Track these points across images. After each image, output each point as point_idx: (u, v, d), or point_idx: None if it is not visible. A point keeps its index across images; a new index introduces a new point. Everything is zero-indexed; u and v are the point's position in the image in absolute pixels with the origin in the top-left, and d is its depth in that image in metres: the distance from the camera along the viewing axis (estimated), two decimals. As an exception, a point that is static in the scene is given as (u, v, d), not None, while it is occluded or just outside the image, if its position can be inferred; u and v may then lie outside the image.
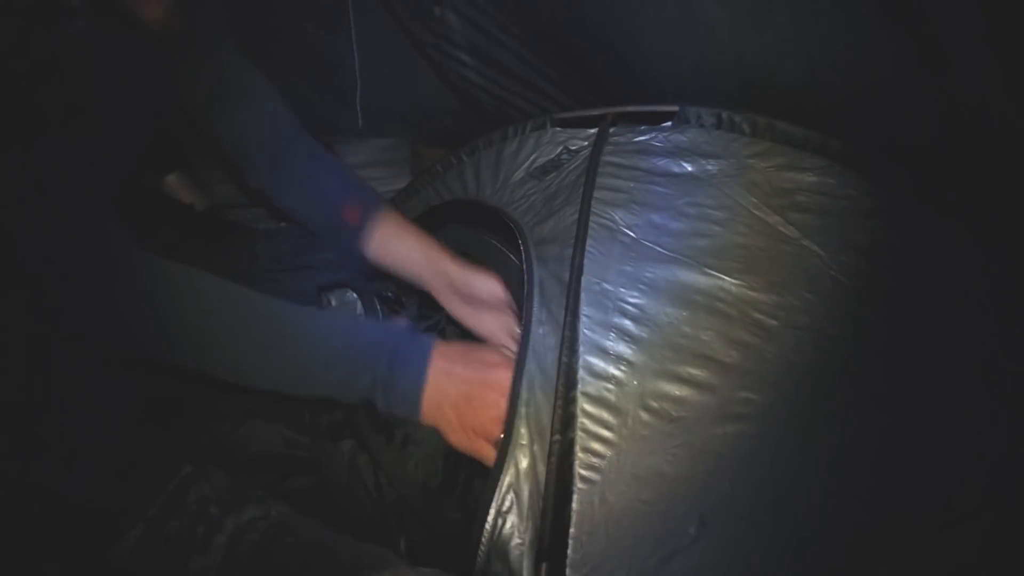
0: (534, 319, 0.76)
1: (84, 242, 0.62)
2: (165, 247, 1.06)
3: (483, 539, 0.61)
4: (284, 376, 0.67)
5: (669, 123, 1.01)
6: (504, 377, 0.69)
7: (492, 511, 0.62)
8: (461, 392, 0.68)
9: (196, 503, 0.60)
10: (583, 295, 0.73)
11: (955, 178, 0.82)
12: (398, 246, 0.93)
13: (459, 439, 0.69)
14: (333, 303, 0.93)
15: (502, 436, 0.65)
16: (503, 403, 0.67)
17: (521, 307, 0.81)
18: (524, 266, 0.83)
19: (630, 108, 1.05)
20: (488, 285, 0.89)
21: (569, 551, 0.57)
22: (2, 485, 0.56)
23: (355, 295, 0.91)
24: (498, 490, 0.63)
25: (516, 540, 0.61)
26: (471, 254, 1.02)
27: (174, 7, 0.73)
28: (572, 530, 0.58)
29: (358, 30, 1.44)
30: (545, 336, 0.74)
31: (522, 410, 0.66)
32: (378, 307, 0.90)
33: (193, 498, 0.60)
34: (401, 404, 0.68)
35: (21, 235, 0.57)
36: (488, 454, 0.66)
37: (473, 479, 0.76)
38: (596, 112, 1.09)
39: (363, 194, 0.97)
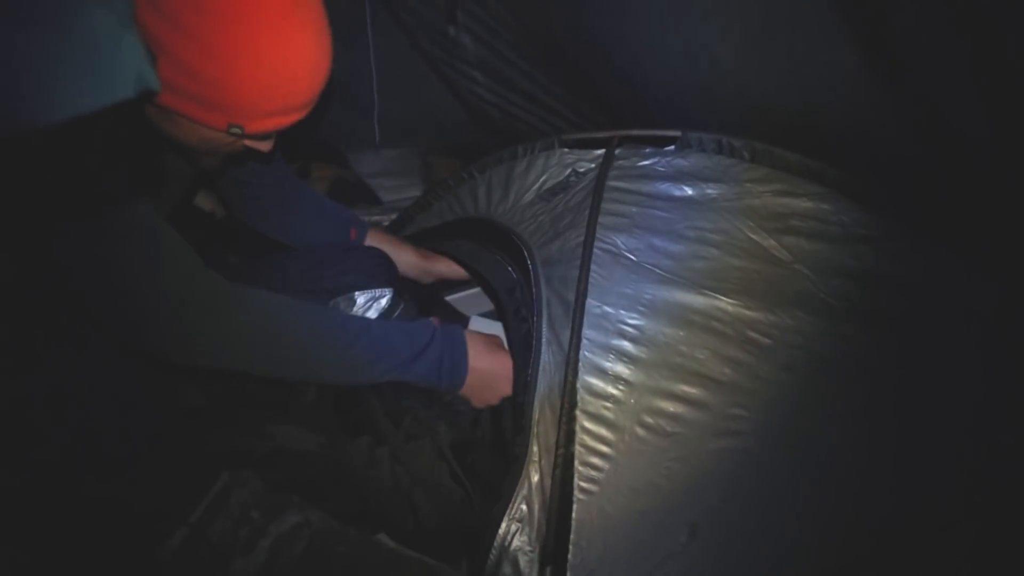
0: (544, 339, 0.81)
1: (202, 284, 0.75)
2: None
3: (495, 544, 0.67)
4: (365, 376, 0.85)
5: (672, 147, 1.05)
6: (508, 366, 0.90)
7: (505, 520, 0.67)
8: (486, 377, 0.90)
9: (238, 508, 0.65)
10: (585, 318, 0.78)
11: (942, 202, 0.86)
12: (394, 252, 1.18)
13: (477, 404, 0.92)
14: (342, 305, 1.03)
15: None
16: (509, 386, 0.89)
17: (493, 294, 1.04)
18: (533, 288, 0.88)
19: (635, 132, 1.09)
20: (451, 267, 1.20)
21: (570, 556, 0.63)
22: (54, 491, 0.62)
23: (366, 295, 1.04)
24: (513, 501, 0.69)
25: (525, 546, 0.67)
26: (473, 265, 1.10)
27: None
28: (572, 537, 0.64)
29: (375, 47, 1.49)
30: (553, 356, 0.79)
31: (535, 429, 0.72)
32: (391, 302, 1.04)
33: (235, 503, 0.66)
34: (454, 385, 0.89)
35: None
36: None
37: (476, 466, 0.83)
38: (603, 135, 1.13)
39: (353, 218, 1.21)
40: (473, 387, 0.90)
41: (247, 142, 0.78)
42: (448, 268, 1.21)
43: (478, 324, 1.16)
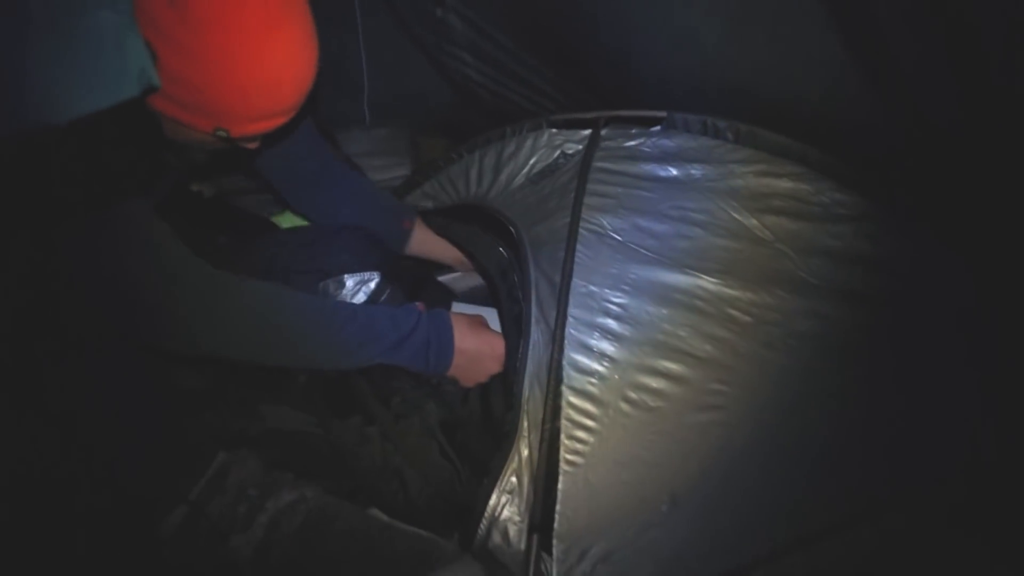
0: (533, 319, 0.83)
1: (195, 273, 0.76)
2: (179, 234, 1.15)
3: (485, 514, 0.70)
4: (351, 362, 0.87)
5: (658, 127, 1.07)
6: (497, 345, 0.92)
7: (495, 492, 0.70)
8: (473, 358, 0.92)
9: (235, 486, 0.68)
10: (571, 297, 0.80)
11: (917, 183, 0.88)
12: (433, 241, 1.23)
13: (466, 383, 0.94)
14: (331, 287, 1.05)
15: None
16: (496, 365, 0.92)
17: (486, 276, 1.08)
18: (521, 269, 0.90)
19: (622, 113, 1.11)
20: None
21: (556, 524, 0.66)
22: (56, 472, 0.64)
23: (355, 278, 1.06)
24: (503, 474, 0.72)
25: (514, 517, 0.70)
26: (467, 248, 1.13)
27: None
28: (559, 507, 0.67)
29: (364, 29, 1.49)
30: (542, 335, 0.81)
31: (524, 406, 0.74)
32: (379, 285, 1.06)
33: (233, 481, 0.68)
34: (441, 367, 0.91)
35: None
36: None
37: (465, 442, 0.86)
38: (590, 115, 1.15)
39: (406, 208, 1.26)
40: (461, 368, 0.92)
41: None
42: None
43: (460, 308, 1.17)
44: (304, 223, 1.24)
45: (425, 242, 1.22)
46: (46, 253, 0.64)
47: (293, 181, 1.15)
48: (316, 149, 1.14)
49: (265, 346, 0.81)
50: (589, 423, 0.71)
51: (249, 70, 0.68)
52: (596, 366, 0.75)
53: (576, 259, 0.85)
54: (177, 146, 0.79)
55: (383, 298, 1.04)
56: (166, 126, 0.73)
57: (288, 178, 1.15)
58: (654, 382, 0.74)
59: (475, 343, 0.92)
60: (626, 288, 0.82)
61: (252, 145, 0.81)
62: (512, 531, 0.68)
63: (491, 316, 1.03)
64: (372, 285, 1.05)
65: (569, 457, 0.69)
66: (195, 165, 0.98)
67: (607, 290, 0.81)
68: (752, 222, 0.89)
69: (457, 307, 1.17)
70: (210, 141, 0.75)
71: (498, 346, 0.92)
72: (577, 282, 0.82)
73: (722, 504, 0.68)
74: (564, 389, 0.73)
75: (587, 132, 1.13)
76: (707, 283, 0.82)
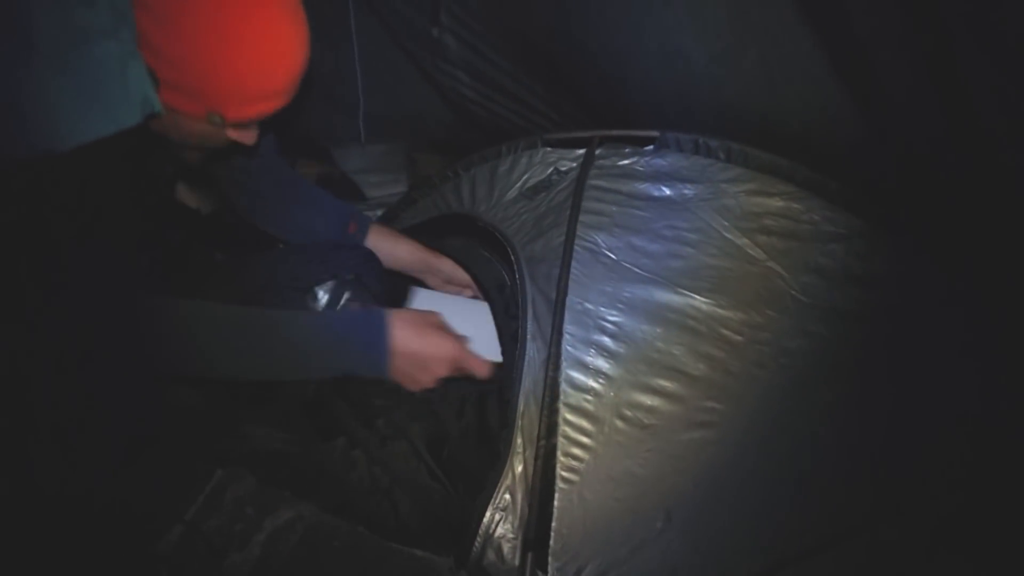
0: (528, 335, 0.84)
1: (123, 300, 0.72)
2: (176, 251, 1.15)
3: (479, 532, 0.70)
4: (291, 371, 0.85)
5: (651, 147, 1.08)
6: (445, 347, 0.88)
7: (489, 509, 0.70)
8: (415, 360, 0.87)
9: (232, 504, 0.68)
10: (567, 314, 0.81)
11: (907, 201, 0.90)
12: (392, 246, 1.18)
13: (412, 387, 0.89)
14: (321, 293, 1.04)
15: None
16: (444, 368, 0.87)
17: (484, 291, 1.06)
18: (518, 285, 0.91)
19: (615, 132, 1.12)
20: (452, 267, 1.17)
21: (551, 542, 0.66)
22: (49, 491, 0.64)
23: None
24: (497, 491, 0.72)
25: (508, 534, 0.70)
26: (464, 263, 1.12)
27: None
28: (554, 524, 0.67)
29: (360, 48, 1.51)
30: (538, 351, 0.82)
31: (519, 422, 0.75)
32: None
33: (229, 499, 0.68)
34: (378, 371, 0.87)
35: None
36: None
37: (458, 457, 0.85)
38: (584, 134, 1.16)
39: (354, 213, 1.20)
40: (402, 371, 0.87)
41: (230, 133, 0.79)
42: (452, 267, 1.17)
43: (424, 298, 1.13)
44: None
45: (380, 249, 1.15)
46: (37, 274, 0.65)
47: (245, 189, 1.15)
48: (275, 165, 1.14)
49: (190, 364, 0.79)
50: (585, 440, 0.72)
51: (244, 47, 0.69)
52: (592, 383, 0.76)
53: (572, 276, 0.86)
54: (169, 144, 0.79)
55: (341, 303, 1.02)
56: (158, 121, 0.72)
57: (240, 187, 1.14)
58: (648, 399, 0.75)
59: (420, 344, 0.86)
60: (621, 306, 0.83)
61: (248, 137, 0.81)
62: (506, 548, 0.69)
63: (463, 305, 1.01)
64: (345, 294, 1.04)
65: (565, 474, 0.70)
66: (186, 167, 0.96)
67: (602, 308, 0.82)
68: (743, 241, 0.90)
69: (421, 297, 1.13)
70: (205, 133, 0.75)
71: (446, 348, 0.88)
72: (573, 299, 0.83)
73: (716, 521, 0.69)
74: (560, 406, 0.74)
75: (581, 151, 1.14)
76: (699, 303, 0.83)
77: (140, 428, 0.71)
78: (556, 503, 0.68)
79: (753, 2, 0.87)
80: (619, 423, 0.73)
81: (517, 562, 0.68)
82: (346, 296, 1.03)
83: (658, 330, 0.81)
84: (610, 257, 0.89)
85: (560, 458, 0.71)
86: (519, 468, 0.73)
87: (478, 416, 0.91)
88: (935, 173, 0.83)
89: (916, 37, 0.72)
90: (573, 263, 0.88)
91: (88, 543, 0.63)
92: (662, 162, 1.04)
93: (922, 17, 0.69)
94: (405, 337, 0.86)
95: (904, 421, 0.76)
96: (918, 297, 0.85)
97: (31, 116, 0.43)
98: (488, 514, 0.70)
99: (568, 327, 0.81)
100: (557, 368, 0.77)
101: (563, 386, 0.75)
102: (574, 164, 1.13)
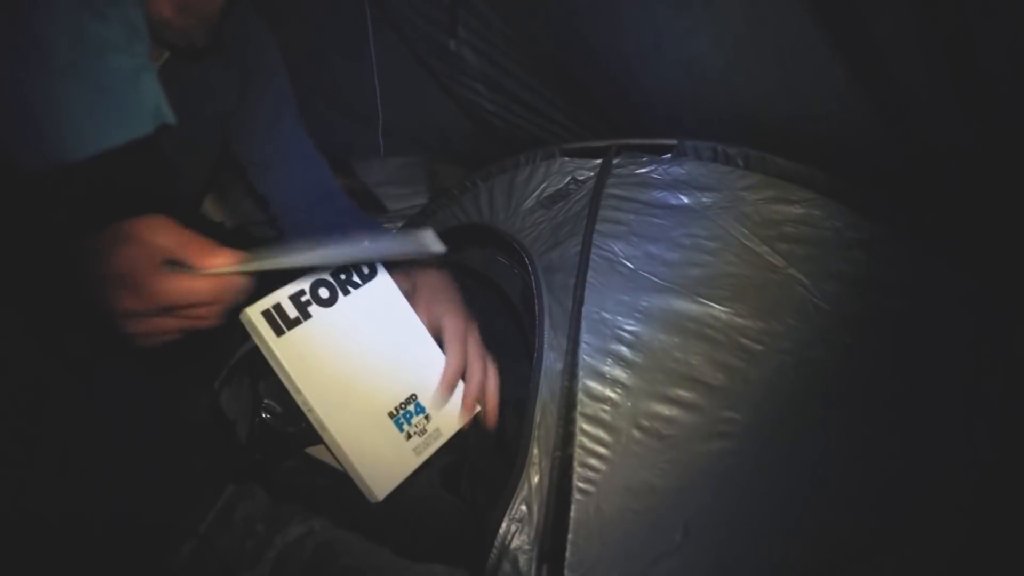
0: (545, 345, 0.83)
1: None
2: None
3: (495, 543, 0.69)
4: None
5: (669, 155, 1.08)
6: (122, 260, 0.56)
7: (505, 520, 0.70)
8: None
9: (243, 520, 0.68)
10: (583, 323, 0.81)
11: (928, 205, 0.88)
12: None
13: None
14: None
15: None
16: (126, 300, 0.57)
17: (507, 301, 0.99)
18: (535, 295, 0.90)
19: (633, 141, 1.12)
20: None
21: (567, 554, 0.65)
22: (63, 504, 0.64)
23: None
24: (513, 502, 0.71)
25: (524, 545, 0.69)
26: (483, 272, 1.12)
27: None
28: (570, 536, 0.66)
29: (378, 61, 1.53)
30: (555, 361, 0.81)
31: (536, 432, 0.74)
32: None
33: (240, 516, 0.68)
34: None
35: None
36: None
37: (474, 474, 0.84)
38: (602, 143, 1.16)
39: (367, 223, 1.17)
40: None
41: None
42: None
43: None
44: None
45: None
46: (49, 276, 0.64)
47: (263, 166, 1.14)
48: (312, 169, 1.14)
49: None
50: (601, 450, 0.71)
51: None
52: (609, 393, 0.75)
53: (588, 285, 0.85)
54: (168, 29, 0.73)
55: None
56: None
57: (259, 162, 1.14)
58: (666, 410, 0.74)
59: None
60: (638, 316, 0.82)
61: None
62: (522, 560, 0.68)
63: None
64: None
65: (581, 485, 0.69)
66: (194, 50, 0.83)
67: (619, 317, 0.82)
68: (763, 248, 0.89)
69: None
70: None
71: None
72: (590, 308, 0.83)
73: (735, 534, 0.67)
74: (577, 416, 0.73)
75: (599, 160, 1.14)
76: (718, 311, 0.82)
77: (141, 438, 0.72)
78: (572, 514, 0.67)
79: (769, 8, 0.86)
80: (636, 433, 0.73)
81: (533, 574, 0.67)
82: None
83: (676, 339, 0.80)
84: (627, 266, 0.89)
85: (576, 468, 0.70)
86: (535, 479, 0.72)
87: (497, 426, 0.91)
88: (956, 175, 0.82)
89: (933, 36, 0.71)
90: (590, 272, 0.88)
91: (100, 557, 0.63)
92: (680, 170, 1.04)
93: (939, 15, 0.68)
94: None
95: (929, 434, 0.74)
96: (943, 304, 0.83)
97: (44, 126, 0.44)
98: (504, 525, 0.69)
99: (585, 336, 0.80)
100: (574, 378, 0.76)
101: (580, 396, 0.75)
102: (591, 173, 1.13)
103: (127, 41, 0.44)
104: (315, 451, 0.85)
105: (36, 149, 0.45)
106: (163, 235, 0.56)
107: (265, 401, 0.81)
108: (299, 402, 0.75)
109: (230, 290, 0.59)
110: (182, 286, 0.56)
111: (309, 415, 0.75)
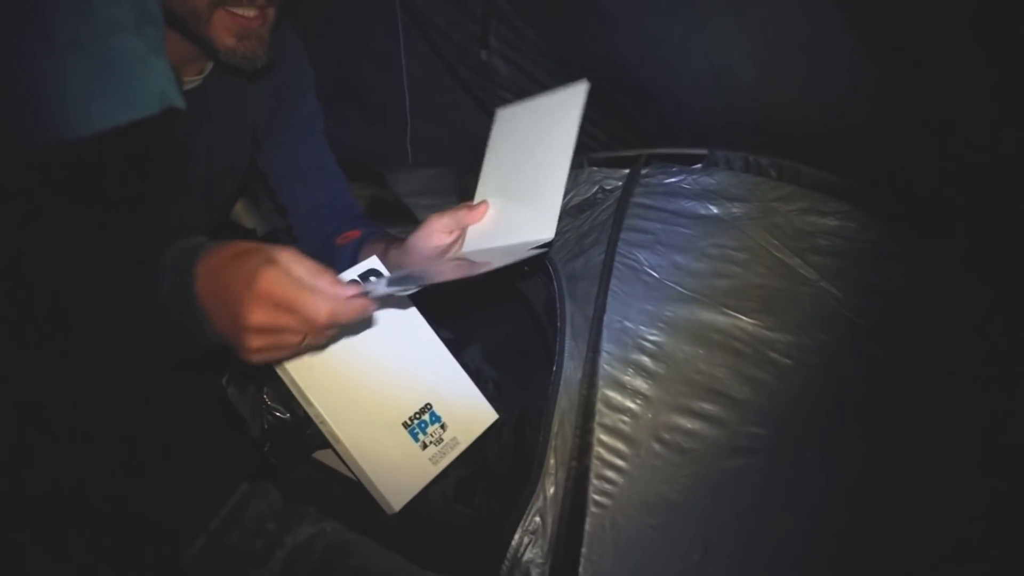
0: (566, 353, 0.82)
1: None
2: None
3: (508, 555, 0.68)
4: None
5: (699, 165, 1.06)
6: (261, 274, 0.59)
7: (519, 532, 0.68)
8: (218, 280, 0.62)
9: (255, 519, 0.68)
10: (605, 332, 0.79)
11: (967, 220, 0.84)
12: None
13: (230, 329, 0.62)
14: None
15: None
16: (261, 315, 0.59)
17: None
18: (557, 303, 0.89)
19: (662, 151, 1.10)
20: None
21: (580, 569, 0.63)
22: (80, 500, 0.65)
23: None
24: (527, 513, 0.70)
25: (537, 558, 0.68)
26: (517, 285, 1.11)
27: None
28: (584, 550, 0.64)
29: (409, 71, 1.54)
30: (575, 371, 0.80)
31: (553, 442, 0.73)
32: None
33: (252, 514, 0.68)
34: (185, 293, 0.63)
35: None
36: (242, 357, 0.63)
37: (493, 483, 0.82)
38: (631, 153, 1.14)
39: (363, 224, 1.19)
40: (209, 298, 0.62)
41: None
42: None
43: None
44: None
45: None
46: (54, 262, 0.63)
47: (288, 178, 1.18)
48: (319, 154, 1.18)
49: None
50: (619, 463, 0.69)
51: None
52: (629, 403, 0.73)
53: (611, 294, 0.84)
54: (186, 20, 0.78)
55: None
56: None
57: (284, 174, 1.18)
58: (688, 423, 0.72)
59: (223, 260, 0.62)
60: (661, 325, 0.80)
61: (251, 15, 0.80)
62: (534, 573, 0.66)
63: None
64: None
65: (597, 498, 0.67)
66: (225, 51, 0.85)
67: (642, 327, 0.80)
68: (795, 261, 0.86)
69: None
70: None
71: (259, 274, 0.60)
72: (612, 317, 0.81)
73: (757, 556, 0.64)
74: (595, 426, 0.71)
75: (627, 170, 1.12)
76: (745, 323, 0.80)
77: (165, 434, 0.72)
78: (587, 527, 0.65)
79: (802, 16, 0.84)
80: (656, 446, 0.70)
81: (545, 588, 0.65)
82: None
83: (700, 351, 0.77)
84: (652, 275, 0.87)
85: (593, 481, 0.68)
86: (551, 490, 0.70)
87: (516, 436, 0.90)
88: (996, 190, 0.78)
89: (982, 47, 0.68)
90: (614, 281, 0.86)
91: (113, 549, 0.63)
92: (710, 180, 1.01)
93: (990, 26, 0.65)
94: (215, 254, 0.63)
95: (959, 455, 0.71)
96: (977, 320, 0.80)
97: (48, 104, 0.45)
98: (517, 536, 0.68)
99: (606, 345, 0.78)
100: (592, 387, 0.75)
101: (598, 405, 0.73)
102: (619, 183, 1.11)
103: (137, 23, 0.45)
104: (324, 456, 0.85)
105: (37, 126, 0.45)
106: (301, 261, 0.60)
107: (271, 406, 0.80)
108: (311, 414, 0.74)
109: (359, 313, 0.61)
110: (332, 307, 0.59)
111: (322, 427, 0.75)
